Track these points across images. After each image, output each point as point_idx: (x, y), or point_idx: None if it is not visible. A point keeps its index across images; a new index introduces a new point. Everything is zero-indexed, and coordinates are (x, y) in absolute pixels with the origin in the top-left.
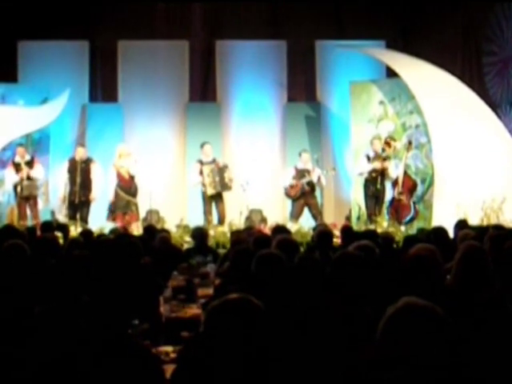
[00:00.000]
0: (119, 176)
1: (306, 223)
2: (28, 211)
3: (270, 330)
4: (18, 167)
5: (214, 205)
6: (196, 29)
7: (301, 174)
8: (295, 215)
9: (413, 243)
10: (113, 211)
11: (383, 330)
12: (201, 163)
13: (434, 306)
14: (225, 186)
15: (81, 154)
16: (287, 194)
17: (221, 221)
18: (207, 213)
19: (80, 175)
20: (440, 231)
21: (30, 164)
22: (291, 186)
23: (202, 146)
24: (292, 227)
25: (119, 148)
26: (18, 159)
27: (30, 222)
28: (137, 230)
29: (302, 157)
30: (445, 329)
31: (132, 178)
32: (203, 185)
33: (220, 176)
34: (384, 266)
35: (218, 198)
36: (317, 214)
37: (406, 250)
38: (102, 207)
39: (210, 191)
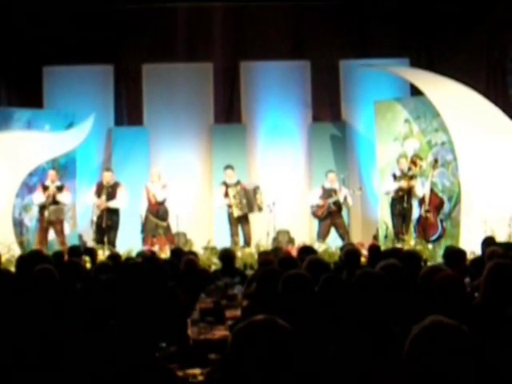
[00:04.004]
0: (148, 199)
1: (333, 243)
2: (54, 236)
3: (297, 351)
4: (45, 189)
5: (239, 226)
6: (219, 50)
7: (327, 193)
8: (322, 235)
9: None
10: (145, 234)
11: (409, 349)
12: (226, 185)
13: (459, 324)
14: (254, 207)
15: (108, 178)
16: (314, 214)
17: (247, 242)
18: (234, 234)
19: (106, 199)
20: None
21: (59, 189)
22: (318, 206)
23: (225, 169)
24: (319, 247)
25: (151, 171)
26: (48, 182)
27: (53, 248)
28: (166, 253)
29: (328, 177)
30: (470, 347)
31: (158, 202)
32: (229, 206)
33: (247, 198)
34: (411, 285)
35: (243, 219)
36: (344, 233)
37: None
38: (130, 231)
39: (237, 213)
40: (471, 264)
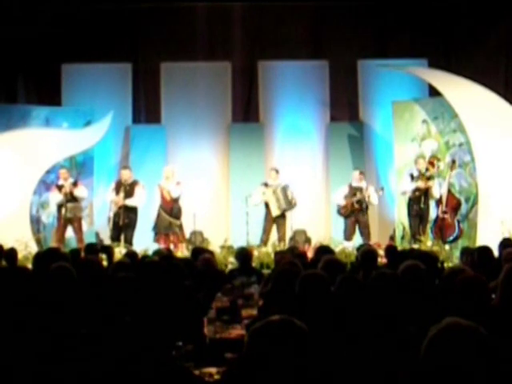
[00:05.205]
0: (162, 197)
1: (348, 243)
2: (71, 234)
3: (313, 352)
4: (61, 188)
5: (275, 226)
6: (238, 50)
7: (353, 192)
8: (348, 234)
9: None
10: (156, 232)
11: (426, 351)
12: (265, 185)
13: (477, 326)
14: (289, 204)
15: (126, 176)
16: (339, 212)
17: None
18: (266, 231)
19: (124, 197)
20: (485, 251)
21: (74, 184)
22: (341, 206)
23: (270, 171)
24: (336, 247)
25: (164, 169)
26: (61, 182)
27: (70, 246)
28: (181, 251)
29: (352, 175)
30: (488, 349)
31: (173, 200)
32: (266, 205)
33: (284, 195)
34: (428, 285)
35: (280, 220)
36: (365, 232)
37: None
38: (146, 229)
39: (275, 212)
40: None
